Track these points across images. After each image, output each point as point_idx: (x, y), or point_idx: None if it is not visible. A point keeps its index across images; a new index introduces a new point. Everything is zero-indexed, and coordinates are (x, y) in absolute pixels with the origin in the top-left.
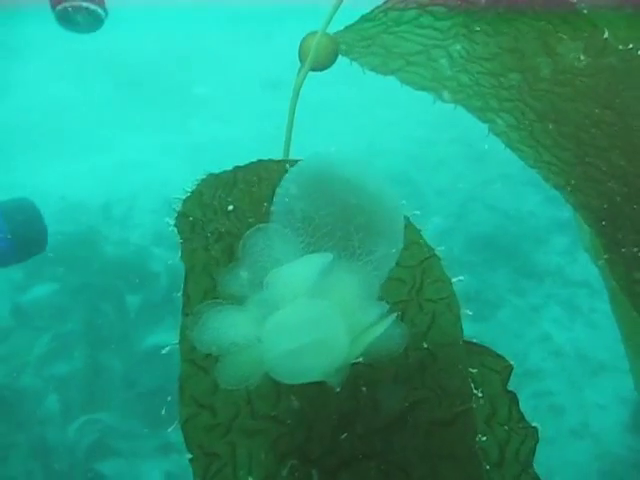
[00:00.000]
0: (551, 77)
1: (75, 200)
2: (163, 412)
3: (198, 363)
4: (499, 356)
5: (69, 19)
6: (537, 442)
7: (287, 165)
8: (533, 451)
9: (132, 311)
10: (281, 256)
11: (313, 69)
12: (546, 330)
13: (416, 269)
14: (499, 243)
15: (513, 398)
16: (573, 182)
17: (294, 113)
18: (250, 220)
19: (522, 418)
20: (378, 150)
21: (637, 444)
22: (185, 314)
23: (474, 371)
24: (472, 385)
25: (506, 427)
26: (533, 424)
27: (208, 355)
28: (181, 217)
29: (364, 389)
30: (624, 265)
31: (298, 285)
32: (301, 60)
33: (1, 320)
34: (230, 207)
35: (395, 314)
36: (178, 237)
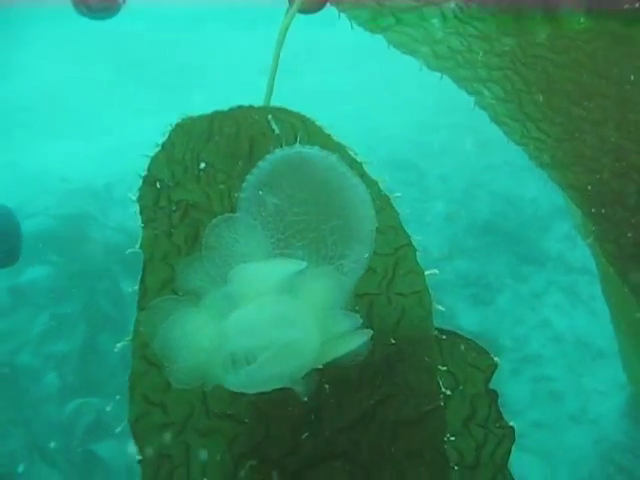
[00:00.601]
0: (547, 42)
1: (76, 181)
2: None
3: (150, 360)
4: (484, 352)
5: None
6: (513, 442)
7: (269, 115)
8: (509, 452)
9: (128, 295)
10: (247, 251)
11: (301, 11)
12: (546, 316)
13: (389, 258)
14: (501, 229)
15: (494, 398)
16: (560, 159)
17: (279, 56)
18: (221, 187)
19: (500, 417)
20: (381, 135)
21: (634, 430)
22: (140, 308)
23: (443, 368)
24: (440, 383)
25: (483, 428)
26: (510, 423)
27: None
28: (146, 184)
29: (327, 387)
30: (613, 242)
31: (265, 284)
32: (290, 1)
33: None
34: (202, 165)
35: (367, 332)
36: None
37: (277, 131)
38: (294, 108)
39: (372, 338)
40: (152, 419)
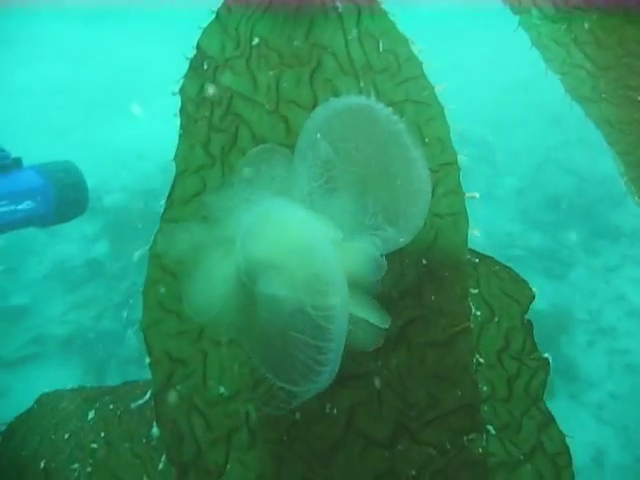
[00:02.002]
0: None
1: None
2: None
3: (167, 269)
4: (522, 282)
5: None
6: (548, 374)
7: None
8: (544, 385)
9: None
10: (282, 190)
11: None
12: (621, 290)
13: (431, 174)
14: (574, 204)
15: (529, 329)
16: (602, 92)
17: None
18: (270, 73)
19: (535, 349)
20: (453, 112)
21: None
22: (164, 219)
23: (474, 292)
24: (471, 305)
25: (517, 360)
26: (545, 355)
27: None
28: (194, 69)
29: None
30: None
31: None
32: None
33: (78, 269)
34: (256, 40)
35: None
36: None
37: (340, 9)
38: None
39: (403, 258)
40: (166, 326)
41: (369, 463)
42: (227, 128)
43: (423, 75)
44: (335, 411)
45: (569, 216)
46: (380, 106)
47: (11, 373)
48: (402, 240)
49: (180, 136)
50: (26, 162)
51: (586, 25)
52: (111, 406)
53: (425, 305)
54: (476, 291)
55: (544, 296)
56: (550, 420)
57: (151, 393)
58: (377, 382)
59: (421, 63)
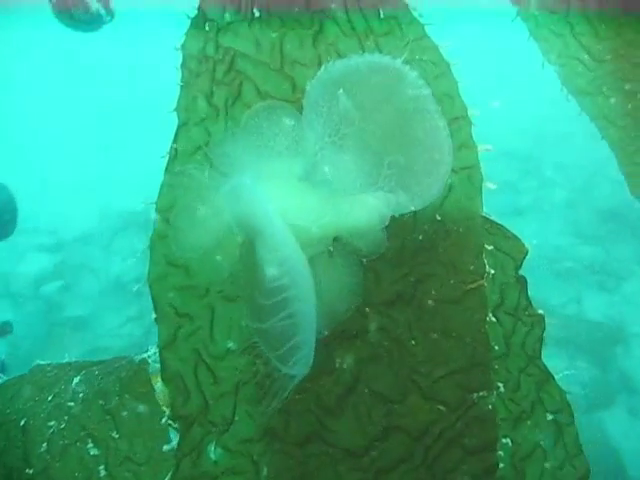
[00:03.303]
0: None
1: None
2: None
3: (173, 222)
4: (515, 237)
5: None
6: (544, 330)
7: None
8: (540, 340)
9: None
10: (288, 142)
11: None
12: None
13: None
14: (625, 217)
15: (523, 284)
16: (598, 85)
17: None
18: (273, 35)
19: (530, 305)
20: (499, 126)
21: None
22: (168, 171)
23: (489, 248)
24: (486, 262)
25: (513, 316)
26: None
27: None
28: (195, 27)
29: (364, 261)
30: None
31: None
32: None
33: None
34: (257, 12)
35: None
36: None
37: None
38: None
39: (415, 213)
40: (173, 280)
41: (377, 418)
42: (230, 82)
43: (426, 35)
44: (344, 366)
45: (621, 229)
46: (406, 68)
47: None
48: (412, 207)
49: (181, 88)
50: None
51: (585, 15)
52: (96, 372)
53: (439, 261)
54: (491, 247)
55: (598, 309)
56: (549, 377)
57: (157, 347)
58: (387, 338)
59: (423, 25)
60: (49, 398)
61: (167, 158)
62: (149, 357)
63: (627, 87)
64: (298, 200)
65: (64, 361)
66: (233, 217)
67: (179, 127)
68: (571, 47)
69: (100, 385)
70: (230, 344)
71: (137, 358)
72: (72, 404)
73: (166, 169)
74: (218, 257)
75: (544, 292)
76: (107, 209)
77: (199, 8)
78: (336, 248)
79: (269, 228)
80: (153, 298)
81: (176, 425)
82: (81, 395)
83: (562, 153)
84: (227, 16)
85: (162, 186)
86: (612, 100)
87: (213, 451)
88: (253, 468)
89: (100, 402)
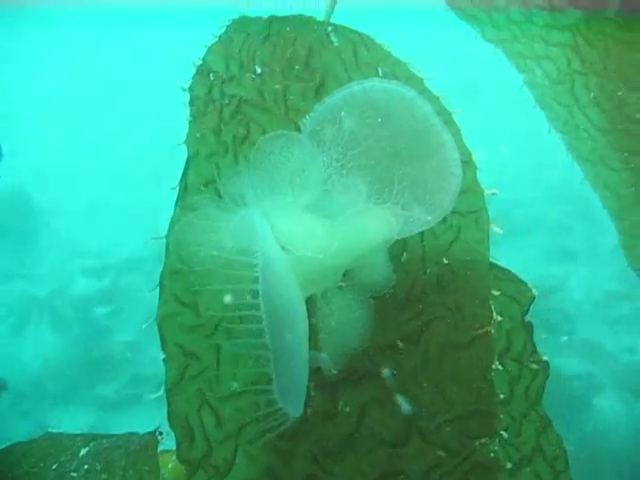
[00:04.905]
0: (617, 17)
1: None
2: None
3: (184, 260)
4: (521, 282)
5: None
6: (547, 378)
7: (329, 27)
8: (543, 388)
9: None
10: (297, 172)
11: None
12: None
13: None
14: None
15: (529, 330)
16: (601, 154)
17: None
18: (277, 87)
19: (535, 351)
20: (548, 170)
21: None
22: (179, 205)
23: (497, 293)
24: (493, 308)
25: (518, 363)
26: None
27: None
28: (200, 75)
29: (372, 301)
30: None
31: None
32: None
33: None
34: (258, 69)
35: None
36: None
37: (336, 43)
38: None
39: (424, 256)
40: (182, 319)
41: (377, 461)
42: (238, 123)
43: (426, 89)
44: (347, 409)
45: None
46: (404, 89)
47: (111, 413)
48: (429, 220)
49: (190, 123)
50: None
51: (588, 88)
52: (105, 444)
53: (445, 305)
54: (498, 293)
55: None
56: (548, 424)
57: (164, 389)
58: (391, 382)
59: (422, 79)
60: (53, 466)
61: (177, 191)
62: (160, 434)
63: (627, 158)
64: (305, 230)
65: (77, 432)
66: (241, 250)
67: (188, 160)
68: (576, 117)
69: (107, 458)
70: (235, 385)
71: (147, 434)
72: (75, 474)
73: (176, 203)
74: (227, 295)
75: (599, 337)
76: (154, 234)
77: (204, 59)
78: (346, 284)
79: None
80: (161, 337)
81: None
82: (86, 467)
83: None
84: (231, 70)
85: (172, 220)
86: (613, 171)
87: None
88: None
89: (103, 476)
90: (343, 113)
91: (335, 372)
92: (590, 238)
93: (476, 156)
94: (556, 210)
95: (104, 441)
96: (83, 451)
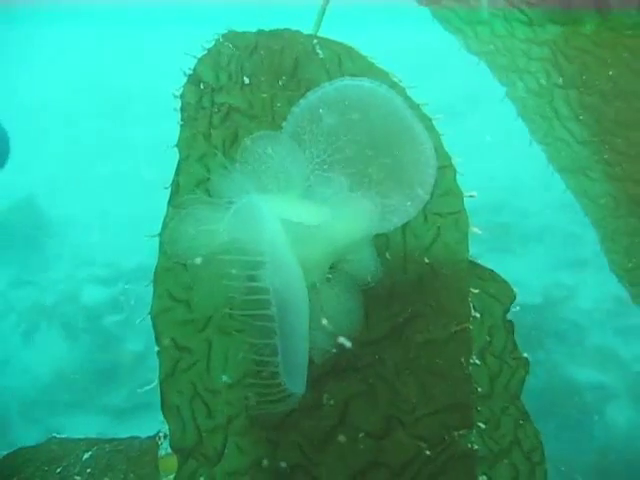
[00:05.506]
0: (593, 34)
1: None
2: None
3: (176, 257)
4: (503, 282)
5: None
6: (527, 373)
7: (314, 40)
8: (522, 382)
9: None
10: (283, 170)
11: None
12: None
13: None
14: None
15: (510, 328)
16: (581, 164)
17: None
18: (264, 96)
19: (515, 348)
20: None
21: None
22: (171, 205)
23: (475, 291)
24: (472, 306)
25: (499, 359)
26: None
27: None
28: (191, 84)
29: (361, 294)
30: (624, 255)
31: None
32: None
33: None
34: (246, 80)
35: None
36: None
37: (322, 55)
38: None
39: (406, 256)
40: (175, 314)
41: (360, 453)
42: (227, 128)
43: (408, 97)
44: (332, 402)
45: None
46: (374, 84)
47: (120, 420)
48: (409, 208)
49: (181, 126)
50: None
51: (568, 101)
52: (107, 449)
53: (426, 302)
54: (477, 290)
55: None
56: (526, 417)
57: (158, 381)
58: (374, 375)
59: (404, 88)
60: (57, 470)
61: (170, 191)
62: (160, 439)
63: (606, 169)
64: (298, 204)
65: (79, 436)
66: (239, 241)
67: (180, 162)
68: (557, 129)
69: (109, 462)
70: (224, 378)
71: (147, 438)
72: (78, 478)
73: (169, 203)
74: (218, 291)
75: (610, 346)
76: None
77: (195, 69)
78: (334, 276)
79: (271, 249)
80: (155, 331)
81: None
82: (89, 470)
83: None
84: (220, 80)
85: (165, 220)
86: (593, 180)
87: None
88: None
89: (105, 479)
90: (321, 111)
91: (316, 362)
92: (598, 246)
93: (455, 161)
94: (566, 219)
95: (106, 445)
96: (86, 455)
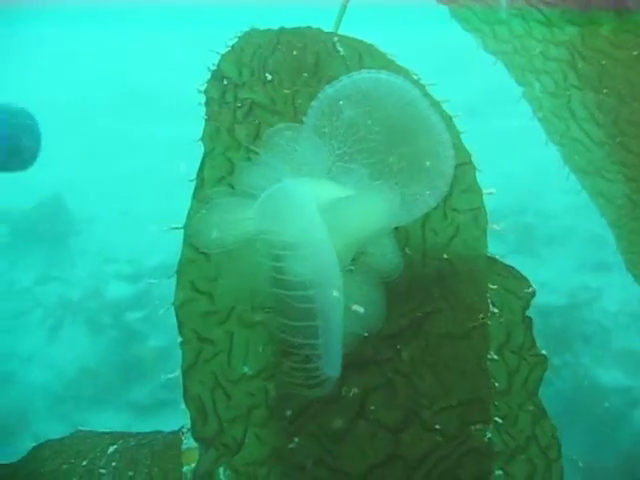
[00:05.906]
0: (611, 35)
1: None
2: None
3: (200, 249)
4: (523, 279)
5: None
6: (545, 371)
7: (335, 37)
8: (540, 379)
9: None
10: (305, 161)
11: None
12: None
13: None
14: None
15: (529, 325)
16: (597, 165)
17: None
18: (286, 92)
19: (534, 345)
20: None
21: None
22: (195, 198)
23: (494, 287)
24: (490, 301)
25: (517, 355)
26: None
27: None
28: (214, 79)
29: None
30: None
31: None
32: None
33: None
34: (269, 76)
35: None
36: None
37: (342, 53)
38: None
39: (425, 251)
40: (198, 306)
41: (378, 445)
42: (250, 123)
43: (428, 94)
44: (351, 394)
45: None
46: (391, 76)
47: (144, 416)
48: (429, 199)
49: (205, 121)
50: None
51: (584, 102)
52: (132, 443)
53: (445, 298)
54: (495, 286)
55: None
56: (543, 414)
57: (180, 370)
58: (392, 369)
59: (424, 86)
60: (83, 463)
61: (194, 185)
62: (183, 434)
63: (623, 170)
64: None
65: (105, 430)
66: (269, 227)
67: (205, 156)
68: (573, 130)
69: (133, 456)
70: (245, 369)
71: (171, 433)
72: (104, 471)
73: (193, 196)
74: (242, 283)
75: (636, 349)
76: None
77: (218, 66)
78: (356, 268)
79: (309, 233)
80: (179, 322)
81: None
82: (114, 464)
83: None
84: (243, 76)
85: (189, 212)
86: (609, 182)
87: (223, 473)
88: None
89: (130, 473)
90: (341, 102)
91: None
92: None
93: (475, 159)
94: (590, 221)
95: (131, 439)
96: (111, 449)
